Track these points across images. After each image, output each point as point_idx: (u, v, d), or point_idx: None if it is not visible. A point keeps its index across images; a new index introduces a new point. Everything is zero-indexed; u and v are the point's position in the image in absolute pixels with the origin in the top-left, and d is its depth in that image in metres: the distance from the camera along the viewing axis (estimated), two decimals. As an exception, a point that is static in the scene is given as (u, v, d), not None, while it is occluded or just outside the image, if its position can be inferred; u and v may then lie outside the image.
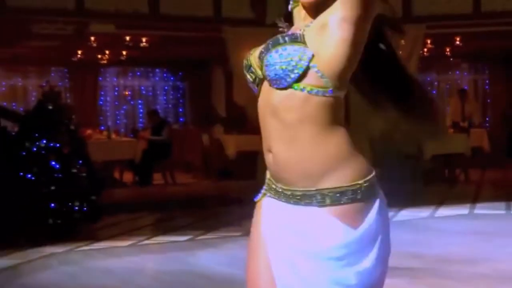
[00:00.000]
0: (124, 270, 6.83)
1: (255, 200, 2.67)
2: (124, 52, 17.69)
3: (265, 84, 2.47)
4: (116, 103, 20.02)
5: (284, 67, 2.35)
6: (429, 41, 15.68)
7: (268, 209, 2.56)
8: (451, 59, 18.67)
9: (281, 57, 2.36)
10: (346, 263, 2.39)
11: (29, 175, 8.24)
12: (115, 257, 7.45)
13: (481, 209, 10.26)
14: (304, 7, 2.52)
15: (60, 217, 8.34)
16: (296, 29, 2.52)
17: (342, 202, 2.38)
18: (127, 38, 15.86)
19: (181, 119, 19.94)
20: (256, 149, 14.63)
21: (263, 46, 2.49)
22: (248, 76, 2.56)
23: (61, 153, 8.67)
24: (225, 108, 18.56)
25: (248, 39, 13.95)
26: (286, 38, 2.39)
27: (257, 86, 2.53)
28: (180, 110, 20.20)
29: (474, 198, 10.80)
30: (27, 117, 9.37)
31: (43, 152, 8.47)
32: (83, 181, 8.74)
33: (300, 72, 2.34)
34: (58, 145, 8.67)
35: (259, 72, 2.50)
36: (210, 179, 15.80)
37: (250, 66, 2.55)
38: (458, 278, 6.21)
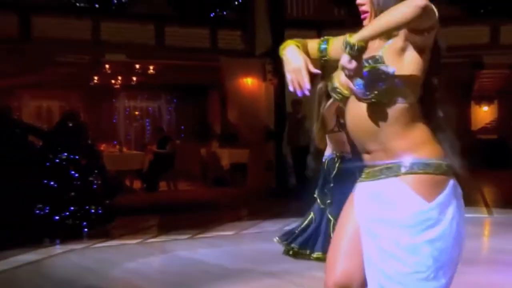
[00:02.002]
0: (133, 264, 6.81)
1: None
2: (134, 78, 17.74)
3: (353, 99, 2.56)
4: (127, 121, 20.03)
5: (368, 84, 2.44)
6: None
7: (359, 192, 2.61)
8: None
9: (370, 74, 2.43)
10: (418, 230, 2.41)
11: (52, 183, 8.22)
12: (125, 253, 7.44)
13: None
14: None
15: (78, 219, 8.33)
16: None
17: (415, 171, 2.45)
18: (137, 66, 15.92)
19: (182, 135, 19.93)
20: (246, 161, 14.68)
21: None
22: (335, 96, 2.69)
23: (80, 164, 8.66)
24: (220, 126, 18.60)
25: (239, 67, 14.03)
26: (371, 60, 2.45)
27: (342, 102, 2.66)
28: (182, 127, 20.20)
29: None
30: (51, 133, 9.36)
31: (64, 163, 8.46)
32: (98, 187, 8.73)
33: (385, 87, 2.44)
34: (77, 157, 8.66)
35: (346, 92, 2.61)
36: (207, 186, 15.79)
37: (335, 88, 2.68)
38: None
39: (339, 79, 2.63)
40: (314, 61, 2.70)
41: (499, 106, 19.73)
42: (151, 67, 16.02)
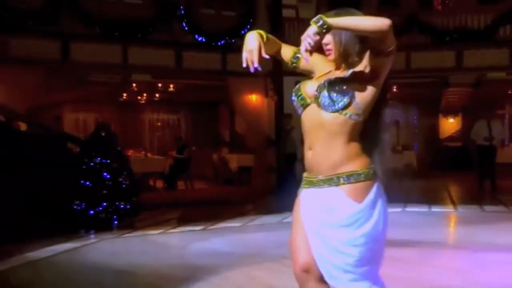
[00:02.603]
0: (156, 251, 6.80)
1: (299, 193, 2.80)
2: (157, 95, 17.74)
3: (313, 106, 2.64)
4: (151, 131, 20.01)
5: (334, 96, 2.56)
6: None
7: (304, 197, 2.73)
8: (390, 101, 18.72)
9: (334, 91, 2.57)
10: (352, 228, 2.56)
11: (87, 183, 8.19)
12: (149, 242, 7.42)
13: (411, 208, 10.27)
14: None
15: (109, 213, 8.30)
16: (325, 66, 2.77)
17: (350, 181, 2.58)
18: (159, 85, 15.92)
19: (197, 143, 19.91)
20: (251, 164, 14.65)
21: (313, 82, 2.71)
22: (297, 101, 2.71)
23: (111, 167, 8.62)
24: (229, 135, 18.58)
25: (245, 86, 14.02)
26: (337, 80, 2.60)
27: (303, 108, 2.69)
28: (197, 136, 20.17)
29: (405, 200, 10.78)
30: (86, 141, 9.33)
31: (97, 166, 8.42)
32: (126, 187, 8.69)
33: (346, 103, 2.56)
34: (108, 161, 8.62)
35: (308, 100, 2.67)
36: (218, 186, 15.76)
37: (300, 94, 2.70)
38: (398, 258, 6.18)
39: (305, 90, 2.69)
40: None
41: (463, 118, 19.74)
42: (171, 86, 16.02)
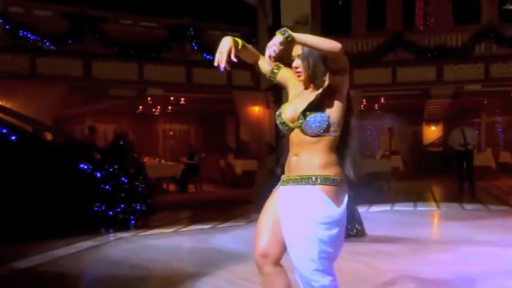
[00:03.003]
0: (169, 248, 6.74)
1: (274, 189, 2.86)
2: (169, 107, 17.73)
3: (296, 130, 2.77)
4: (164, 139, 19.98)
5: (315, 126, 2.69)
6: (364, 100, 15.72)
7: (282, 193, 2.78)
8: (378, 111, 18.73)
9: (313, 121, 2.68)
10: (326, 228, 2.65)
11: (107, 187, 8.15)
12: (163, 239, 7.37)
13: (398, 207, 10.23)
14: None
15: (127, 213, 8.25)
16: (296, 83, 2.89)
17: (326, 183, 2.67)
18: (172, 98, 15.90)
19: (206, 150, 19.89)
20: (254, 169, 14.59)
21: (290, 106, 2.81)
22: (282, 127, 2.82)
23: (128, 172, 8.58)
24: (235, 143, 18.53)
25: (249, 99, 14.00)
26: (312, 110, 2.69)
27: (287, 131, 2.81)
28: (206, 144, 20.14)
29: (393, 199, 10.74)
30: (106, 149, 9.30)
31: (116, 171, 8.38)
32: (142, 190, 8.65)
33: (324, 127, 2.69)
34: (126, 167, 8.59)
35: (291, 125, 2.79)
36: (225, 188, 15.72)
37: (283, 121, 2.81)
38: (386, 252, 6.14)
39: (286, 116, 2.80)
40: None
41: (444, 126, 19.71)
42: (182, 99, 16.00)
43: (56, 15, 11.92)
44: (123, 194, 8.25)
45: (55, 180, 7.82)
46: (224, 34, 11.36)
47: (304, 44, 2.61)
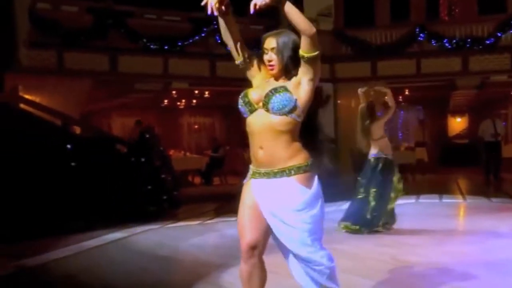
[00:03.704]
0: (195, 239, 6.79)
1: (244, 182, 2.99)
2: (194, 101, 17.79)
3: (260, 111, 2.83)
4: (189, 132, 20.09)
5: (282, 104, 2.77)
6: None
7: (257, 186, 2.89)
8: (402, 103, 18.57)
9: (281, 99, 2.78)
10: (306, 211, 2.80)
11: (134, 180, 8.25)
12: (189, 231, 7.42)
13: (423, 199, 10.15)
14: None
15: (154, 206, 8.34)
16: (263, 78, 2.95)
17: (300, 172, 2.81)
18: (196, 91, 15.96)
19: (230, 143, 19.94)
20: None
21: (257, 90, 2.89)
22: (245, 107, 2.88)
23: (154, 165, 8.68)
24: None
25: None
26: (281, 89, 2.80)
27: (250, 112, 2.86)
28: (230, 137, 20.20)
29: (418, 192, 10.66)
30: (133, 143, 9.41)
31: (143, 165, 8.48)
32: (168, 182, 8.74)
33: (291, 107, 2.78)
34: (152, 160, 8.68)
35: (255, 106, 2.86)
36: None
37: (248, 101, 2.88)
38: (411, 244, 6.12)
39: (251, 97, 2.87)
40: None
41: (469, 117, 19.46)
42: (206, 92, 16.05)
43: (82, 11, 12.07)
44: (149, 187, 8.34)
45: (84, 173, 7.95)
46: (247, 27, 11.48)
47: (288, 12, 2.68)
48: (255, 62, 3.00)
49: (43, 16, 11.27)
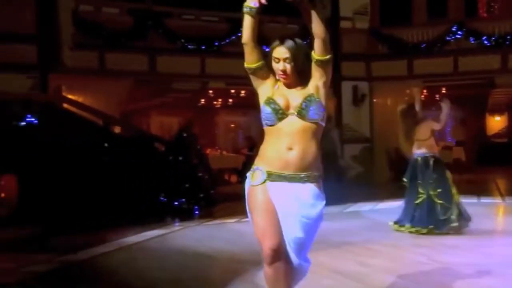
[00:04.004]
0: (231, 237, 6.81)
1: (256, 184, 2.90)
2: (230, 100, 17.87)
3: (291, 117, 2.82)
4: (225, 131, 20.19)
5: (317, 113, 2.81)
6: (424, 91, 15.39)
7: (275, 188, 2.83)
8: (439, 102, 18.26)
9: (316, 107, 2.81)
10: (313, 207, 2.83)
11: (172, 178, 8.33)
12: (225, 229, 7.46)
13: (460, 199, 9.93)
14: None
15: (191, 204, 8.42)
16: (272, 85, 2.93)
17: (315, 181, 2.84)
18: (232, 91, 16.02)
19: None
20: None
21: (281, 97, 2.85)
22: (275, 115, 2.83)
23: (192, 164, 8.75)
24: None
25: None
26: (313, 97, 2.82)
27: (279, 120, 2.82)
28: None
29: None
30: (170, 141, 9.51)
31: (180, 163, 8.56)
32: (205, 181, 8.80)
33: (322, 115, 2.84)
34: (189, 159, 8.76)
35: (286, 113, 2.83)
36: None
37: (279, 109, 2.83)
38: (448, 244, 6.03)
39: (280, 104, 2.83)
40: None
41: (509, 116, 19.00)
42: (242, 92, 16.10)
43: (122, 12, 12.26)
44: (187, 185, 8.42)
45: (124, 171, 8.08)
46: (284, 27, 11.47)
47: (306, 12, 2.78)
48: (266, 69, 2.95)
49: (85, 18, 11.50)
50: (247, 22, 2.87)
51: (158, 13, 12.29)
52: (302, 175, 2.81)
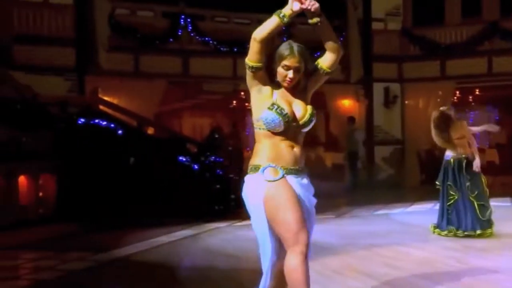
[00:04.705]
0: (261, 238, 6.85)
1: (277, 179, 2.96)
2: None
3: (294, 125, 3.00)
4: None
5: (313, 123, 3.06)
6: (457, 92, 15.18)
7: (292, 180, 2.99)
8: (472, 103, 17.98)
9: (313, 119, 3.04)
10: (311, 196, 3.13)
11: (204, 178, 8.39)
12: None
13: (493, 202, 9.76)
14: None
15: (222, 204, 8.45)
16: (269, 88, 3.06)
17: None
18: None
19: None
20: (343, 162, 14.46)
21: (285, 104, 3.00)
22: (283, 121, 2.94)
23: (223, 165, 8.81)
24: (324, 136, 18.44)
25: (339, 92, 13.89)
26: (313, 109, 3.05)
27: (284, 126, 2.95)
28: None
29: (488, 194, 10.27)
30: (202, 142, 9.61)
31: (212, 164, 8.63)
32: (236, 182, 8.84)
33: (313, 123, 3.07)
34: (221, 159, 8.83)
35: (293, 123, 2.99)
36: (314, 181, 15.62)
37: (288, 117, 2.96)
38: (478, 247, 5.95)
39: (289, 112, 2.97)
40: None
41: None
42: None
43: (157, 15, 12.44)
44: (218, 186, 8.48)
45: (156, 172, 8.21)
46: (313, 29, 11.22)
47: (324, 26, 2.94)
48: (263, 71, 3.04)
49: (121, 21, 11.71)
50: (272, 25, 2.94)
51: (191, 16, 12.43)
52: (304, 169, 3.07)
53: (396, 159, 13.90)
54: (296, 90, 3.05)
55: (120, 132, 8.44)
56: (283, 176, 2.95)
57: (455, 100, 15.37)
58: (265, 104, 2.98)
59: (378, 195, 11.39)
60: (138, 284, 4.89)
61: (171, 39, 12.17)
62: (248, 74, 3.05)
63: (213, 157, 8.64)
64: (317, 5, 2.86)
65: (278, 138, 2.99)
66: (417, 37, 13.94)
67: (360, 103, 14.02)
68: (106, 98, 11.35)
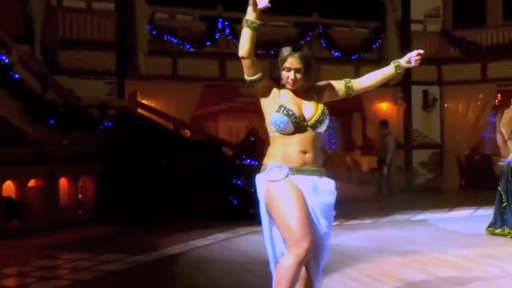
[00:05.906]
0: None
1: (279, 179, 2.99)
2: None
3: (304, 126, 3.02)
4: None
5: (326, 124, 3.10)
6: (499, 95, 14.81)
7: (298, 179, 2.99)
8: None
9: (327, 120, 3.08)
10: (331, 195, 3.11)
11: (239, 182, 8.40)
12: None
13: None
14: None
15: (257, 209, 8.43)
16: (276, 93, 3.11)
17: (327, 176, 3.13)
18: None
19: (333, 147, 19.80)
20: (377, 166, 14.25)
21: (294, 105, 3.05)
22: (291, 122, 2.97)
23: (259, 168, 8.81)
24: (362, 139, 18.27)
25: (376, 95, 13.68)
26: (325, 109, 3.10)
27: (295, 128, 2.98)
28: (332, 141, 20.05)
29: None
30: (238, 145, 9.62)
31: (247, 167, 8.63)
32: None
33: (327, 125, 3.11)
34: (257, 163, 8.82)
35: (303, 123, 3.01)
36: (351, 185, 15.51)
37: (297, 119, 2.98)
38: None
39: (298, 114, 3.01)
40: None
41: None
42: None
43: (195, 19, 12.53)
44: (253, 190, 8.46)
45: (192, 175, 8.25)
46: (352, 31, 11.37)
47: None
48: (266, 77, 3.08)
49: (160, 25, 11.85)
50: (248, 36, 2.99)
51: (228, 19, 12.48)
52: (318, 170, 3.05)
53: (434, 164, 13.65)
54: (301, 88, 3.07)
55: (156, 135, 8.52)
56: (287, 176, 2.97)
57: (496, 103, 14.98)
58: (274, 107, 3.03)
59: (415, 200, 11.21)
60: (174, 287, 4.91)
61: (208, 43, 12.24)
62: (253, 90, 3.14)
63: (248, 160, 8.64)
64: (419, 61, 3.25)
65: (289, 139, 3.00)
66: (457, 39, 13.68)
67: (398, 106, 13.83)
68: (144, 101, 11.50)
